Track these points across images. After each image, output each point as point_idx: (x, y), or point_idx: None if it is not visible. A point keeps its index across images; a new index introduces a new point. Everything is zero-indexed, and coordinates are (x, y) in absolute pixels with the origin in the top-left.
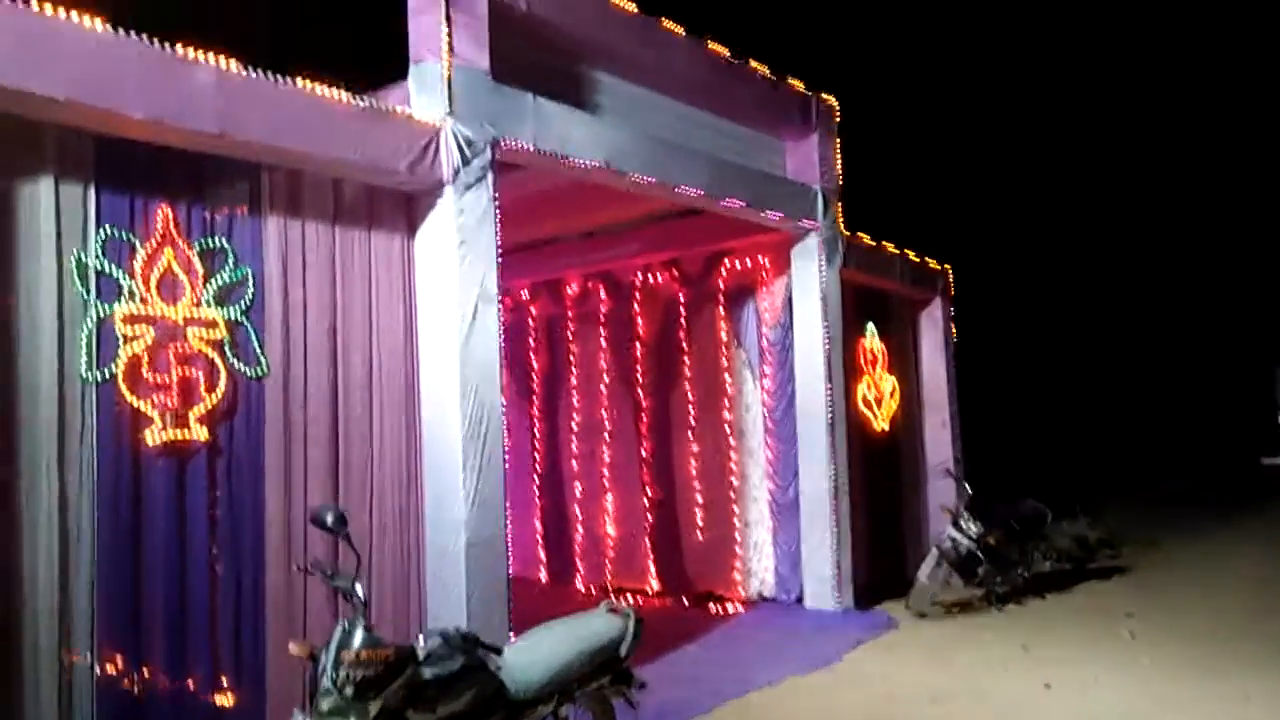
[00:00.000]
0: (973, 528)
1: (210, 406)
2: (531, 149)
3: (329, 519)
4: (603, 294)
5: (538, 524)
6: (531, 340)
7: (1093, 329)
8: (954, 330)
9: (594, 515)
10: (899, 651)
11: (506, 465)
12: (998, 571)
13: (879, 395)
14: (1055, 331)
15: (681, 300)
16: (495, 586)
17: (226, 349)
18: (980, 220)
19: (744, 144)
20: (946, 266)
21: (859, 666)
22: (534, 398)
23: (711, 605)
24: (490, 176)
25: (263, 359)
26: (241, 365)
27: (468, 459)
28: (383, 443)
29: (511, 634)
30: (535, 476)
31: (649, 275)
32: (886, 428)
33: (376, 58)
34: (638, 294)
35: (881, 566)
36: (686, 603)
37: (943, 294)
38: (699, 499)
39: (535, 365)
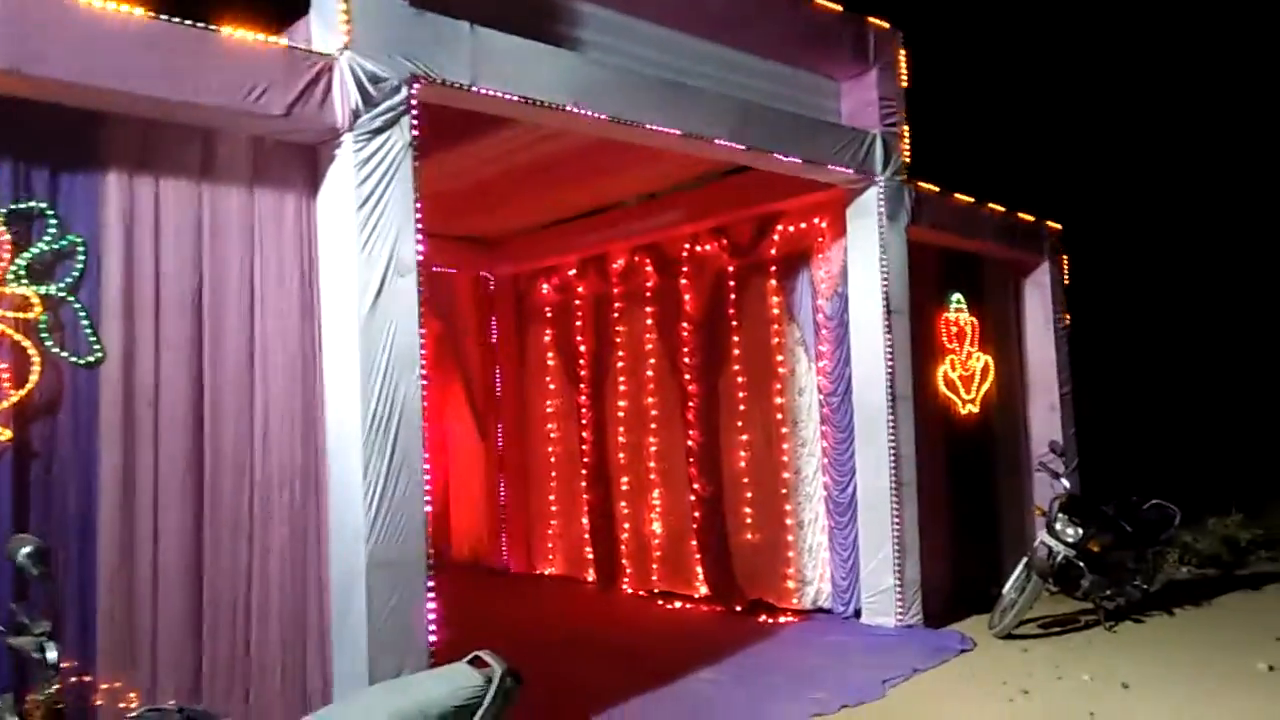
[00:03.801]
0: (1069, 531)
1: (19, 400)
2: (468, 87)
3: (21, 554)
4: (649, 269)
5: (584, 521)
6: (578, 321)
7: (1243, 295)
8: (1066, 300)
9: (640, 513)
10: (960, 686)
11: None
12: (1107, 583)
13: (967, 376)
14: (1195, 298)
15: (730, 272)
16: (408, 619)
17: (43, 333)
18: (1103, 170)
19: (783, 85)
20: (1057, 226)
21: (900, 705)
22: (581, 384)
23: (763, 615)
24: (407, 121)
25: (96, 345)
26: (66, 352)
27: (370, 462)
28: (268, 446)
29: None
30: (583, 470)
31: (696, 246)
32: (977, 412)
33: None
34: (685, 267)
35: (969, 575)
36: (740, 610)
37: (1051, 257)
38: (748, 495)
39: (583, 349)
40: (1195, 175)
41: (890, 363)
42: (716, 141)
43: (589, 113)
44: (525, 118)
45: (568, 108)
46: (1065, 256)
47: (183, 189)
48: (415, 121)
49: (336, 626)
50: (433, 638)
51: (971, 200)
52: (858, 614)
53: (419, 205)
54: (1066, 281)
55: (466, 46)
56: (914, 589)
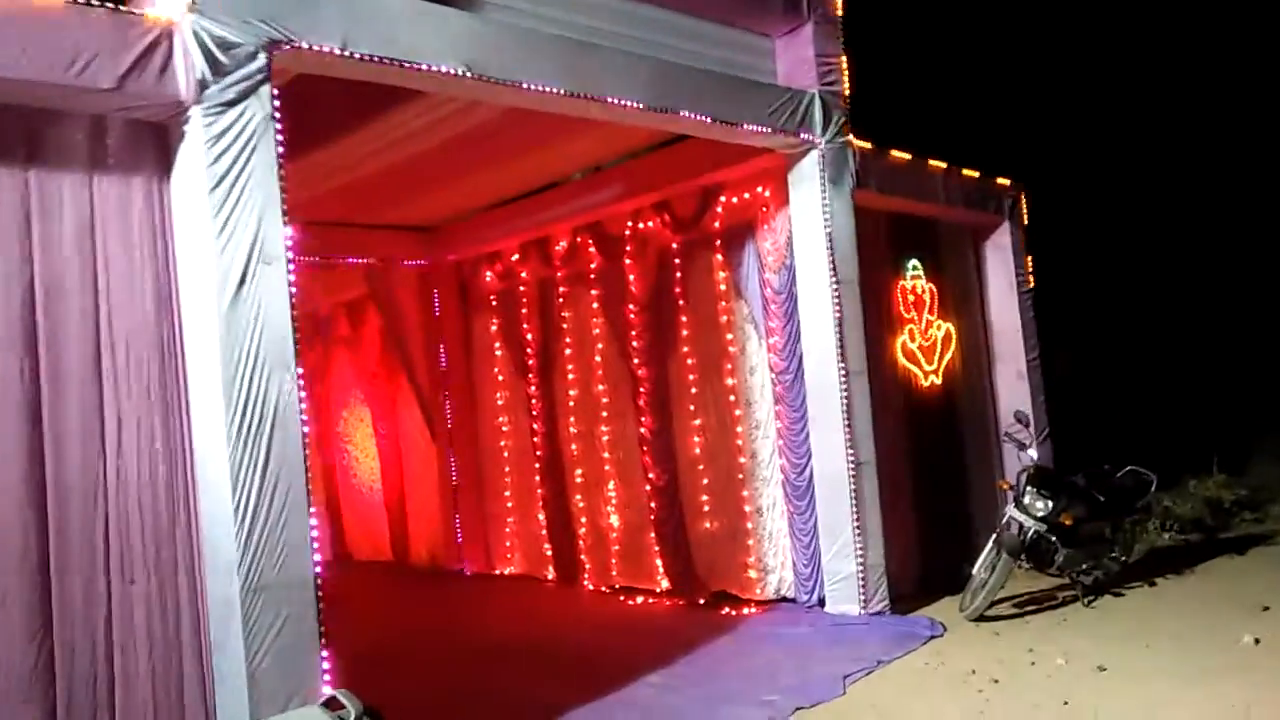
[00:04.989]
0: (1039, 505)
1: None
2: (340, 52)
3: None
4: (592, 249)
5: (541, 516)
6: (523, 309)
7: (1215, 247)
8: (1030, 261)
9: (596, 506)
10: (926, 678)
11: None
12: (1083, 557)
13: (928, 346)
14: (1165, 252)
15: (675, 249)
16: (296, 648)
17: None
18: (1065, 122)
19: (710, 44)
20: (1017, 185)
21: (860, 703)
22: (529, 374)
23: (726, 608)
24: (266, 91)
25: None
26: None
27: (239, 474)
28: (123, 461)
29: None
30: (536, 464)
31: (639, 223)
32: (940, 383)
33: None
34: (628, 246)
35: (939, 556)
36: (703, 603)
37: (1012, 219)
38: (704, 482)
39: (529, 337)
40: (1162, 123)
41: (840, 336)
42: (630, 106)
43: (484, 79)
44: (409, 86)
45: (459, 74)
46: (1027, 216)
47: (1, 177)
48: (276, 92)
49: (217, 661)
50: (326, 665)
51: (922, 160)
52: (822, 602)
53: (285, 185)
54: (1028, 242)
55: (335, 6)
56: (878, 574)
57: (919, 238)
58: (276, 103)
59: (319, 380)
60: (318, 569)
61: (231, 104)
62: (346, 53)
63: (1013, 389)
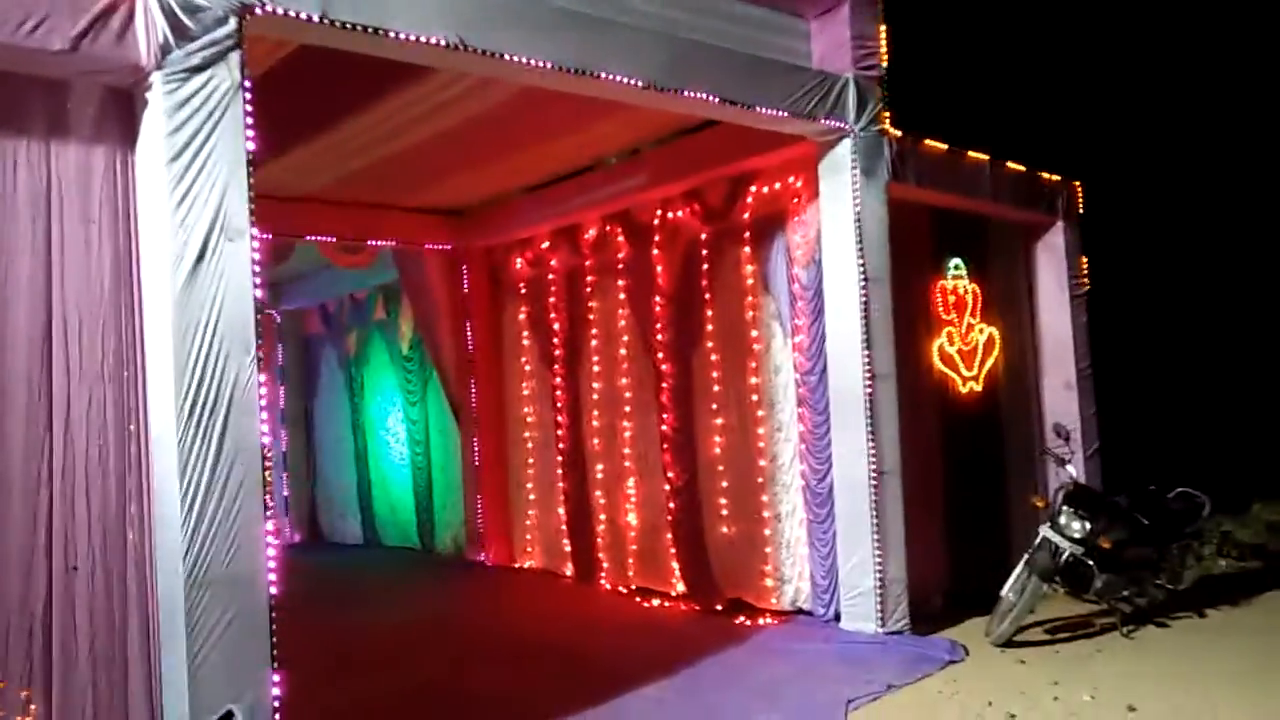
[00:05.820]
0: (1075, 526)
1: None
2: (318, 19)
3: None
4: (621, 238)
5: (561, 511)
6: (552, 298)
7: None
8: (1084, 264)
9: (616, 503)
10: (937, 707)
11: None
12: (1123, 583)
13: (968, 350)
14: (1234, 257)
15: (703, 240)
16: (244, 648)
17: None
18: (1128, 116)
19: (739, 24)
20: (1071, 180)
21: None
22: (555, 364)
23: (742, 617)
24: (236, 58)
25: None
26: None
27: (189, 460)
28: (70, 436)
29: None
30: (559, 456)
31: (668, 212)
32: (980, 390)
33: None
34: (657, 236)
35: (970, 574)
36: (720, 609)
37: (1066, 217)
38: (723, 485)
39: (556, 326)
40: (1234, 117)
41: (867, 337)
42: (633, 84)
43: (477, 50)
44: (394, 57)
45: (449, 44)
46: (1082, 213)
47: None
48: (246, 59)
49: (165, 659)
50: (275, 666)
51: (964, 151)
52: (838, 617)
53: (253, 158)
54: (1082, 242)
55: None
56: (898, 591)
57: (964, 235)
58: (246, 70)
59: (363, 362)
60: (272, 565)
61: (196, 70)
62: (325, 19)
63: (1061, 399)
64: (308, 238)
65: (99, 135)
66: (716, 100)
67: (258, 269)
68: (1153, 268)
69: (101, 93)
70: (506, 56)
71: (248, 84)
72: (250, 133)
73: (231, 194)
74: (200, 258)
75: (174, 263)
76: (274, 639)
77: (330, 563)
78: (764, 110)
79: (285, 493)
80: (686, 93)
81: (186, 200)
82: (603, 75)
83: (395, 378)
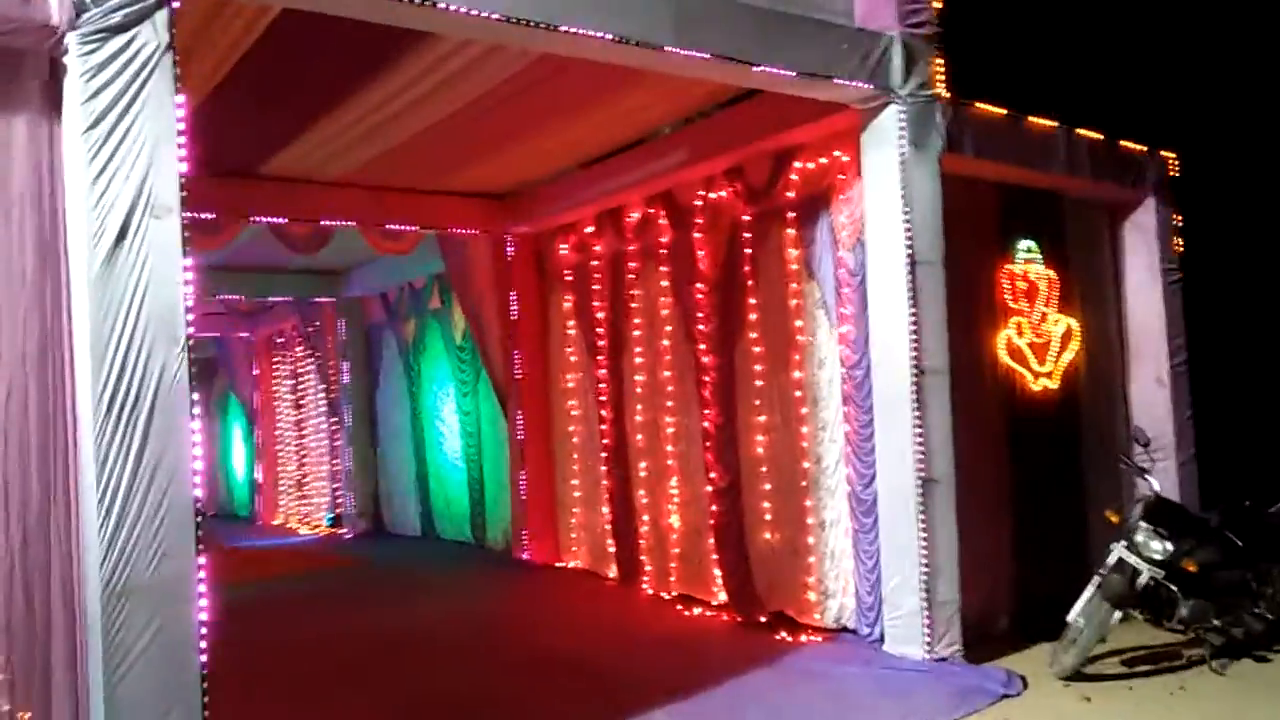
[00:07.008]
0: (1155, 546)
1: None
2: None
3: None
4: (663, 221)
5: (605, 510)
6: (596, 285)
7: None
8: (1179, 247)
9: (658, 503)
10: None
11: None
12: (1214, 611)
13: (1041, 343)
14: None
15: (746, 222)
16: (170, 664)
17: None
18: (1231, 79)
19: None
20: (1163, 153)
21: None
22: (599, 355)
23: (783, 632)
24: (164, 17)
25: None
26: None
27: (107, 458)
28: None
29: None
30: (603, 452)
31: (710, 192)
32: (1055, 388)
33: None
34: (699, 218)
35: (1041, 594)
36: (763, 621)
37: (1158, 194)
38: (766, 487)
39: (600, 315)
40: None
41: (916, 327)
42: (659, 46)
43: (476, 11)
44: (377, 18)
45: (445, 4)
46: (1178, 189)
47: None
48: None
49: (92, 673)
50: (205, 685)
51: (1036, 120)
52: (883, 638)
53: (183, 127)
54: (1180, 223)
55: None
56: (949, 613)
57: (1037, 214)
58: (173, 30)
59: (420, 351)
60: (202, 574)
61: (117, 30)
62: None
63: (1151, 397)
64: (340, 222)
65: (19, 105)
66: (742, 61)
67: (188, 250)
68: (1258, 250)
69: (17, 58)
70: (513, 18)
71: (175, 46)
72: (180, 99)
73: (158, 167)
74: (121, 237)
75: (90, 242)
76: (202, 655)
77: (383, 556)
78: (773, 70)
79: (336, 485)
80: (694, 51)
81: (105, 173)
82: (627, 38)
83: (449, 366)
